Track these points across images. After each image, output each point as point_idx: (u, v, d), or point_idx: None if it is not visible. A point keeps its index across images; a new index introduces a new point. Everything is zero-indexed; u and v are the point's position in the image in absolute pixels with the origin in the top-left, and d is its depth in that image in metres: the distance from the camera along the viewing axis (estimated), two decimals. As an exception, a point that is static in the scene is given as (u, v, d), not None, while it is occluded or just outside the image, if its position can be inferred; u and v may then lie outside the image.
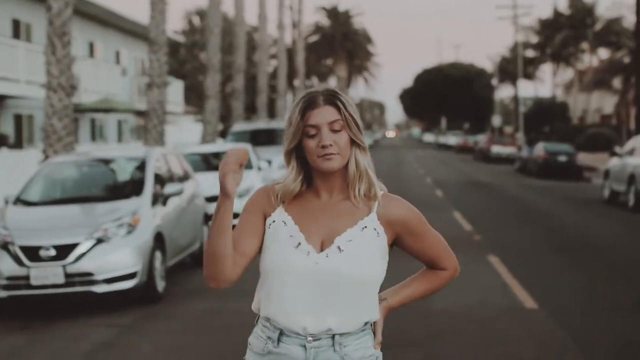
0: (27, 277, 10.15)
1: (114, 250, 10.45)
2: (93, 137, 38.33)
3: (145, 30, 31.97)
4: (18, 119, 30.44)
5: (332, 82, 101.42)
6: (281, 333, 3.10)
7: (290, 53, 65.70)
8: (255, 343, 3.18)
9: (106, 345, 8.86)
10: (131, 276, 10.47)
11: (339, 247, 3.10)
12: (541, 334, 8.74)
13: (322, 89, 3.17)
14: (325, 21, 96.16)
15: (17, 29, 30.67)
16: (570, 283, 11.60)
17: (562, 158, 38.19)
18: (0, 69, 26.29)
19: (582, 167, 38.18)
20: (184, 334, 9.23)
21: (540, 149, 39.69)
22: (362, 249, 3.12)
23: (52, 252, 10.17)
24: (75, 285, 10.20)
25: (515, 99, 77.59)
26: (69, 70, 18.05)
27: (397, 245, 3.24)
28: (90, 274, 10.21)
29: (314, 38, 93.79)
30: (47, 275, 10.12)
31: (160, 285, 11.14)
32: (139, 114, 38.50)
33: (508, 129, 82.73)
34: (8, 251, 10.32)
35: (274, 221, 3.15)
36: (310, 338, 3.08)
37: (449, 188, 30.06)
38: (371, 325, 3.19)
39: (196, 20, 66.13)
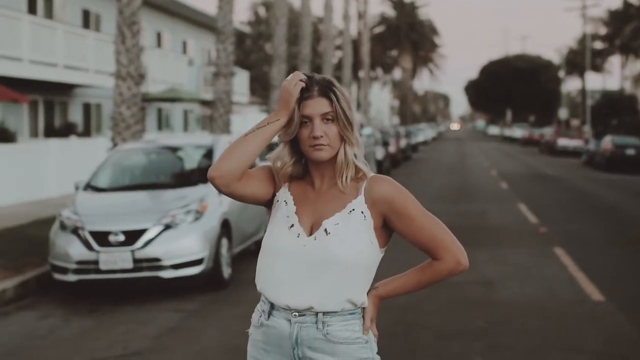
0: (96, 262, 10.33)
1: (182, 237, 10.59)
2: (159, 127, 38.73)
3: (212, 21, 32.24)
4: (87, 107, 30.89)
5: (396, 74, 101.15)
6: (272, 307, 3.22)
7: (355, 44, 65.65)
8: (254, 316, 3.33)
9: (172, 329, 8.99)
10: (198, 262, 10.60)
11: (326, 230, 3.18)
12: (608, 327, 8.66)
13: (319, 77, 3.26)
14: (390, 12, 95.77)
15: (87, 19, 31.12)
16: (637, 276, 11.44)
17: (631, 151, 37.66)
18: (70, 59, 26.68)
19: (651, 160, 37.58)
20: (248, 319, 9.29)
21: (607, 142, 39.17)
22: (349, 232, 3.17)
23: (121, 238, 10.34)
24: (143, 270, 10.36)
25: (583, 92, 76.56)
26: (137, 60, 18.27)
27: (391, 228, 3.25)
28: (157, 260, 10.36)
29: (379, 29, 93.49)
30: (115, 260, 10.29)
31: (227, 272, 11.26)
32: (205, 103, 38.77)
33: (575, 122, 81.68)
34: (78, 236, 10.51)
35: (277, 200, 3.29)
36: (296, 313, 3.19)
37: (514, 180, 29.81)
38: (362, 310, 3.24)
39: (262, 12, 66.42)
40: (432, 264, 3.26)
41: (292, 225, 3.21)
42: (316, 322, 3.18)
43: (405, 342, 8.02)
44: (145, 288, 10.71)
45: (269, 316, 3.23)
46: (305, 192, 3.26)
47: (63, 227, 10.82)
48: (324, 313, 3.17)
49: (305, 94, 3.18)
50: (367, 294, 3.24)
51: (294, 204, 3.23)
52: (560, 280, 11.22)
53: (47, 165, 21.26)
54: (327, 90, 3.20)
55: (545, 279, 11.32)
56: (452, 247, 3.23)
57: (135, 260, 10.29)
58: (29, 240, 13.59)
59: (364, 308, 3.24)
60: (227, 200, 11.75)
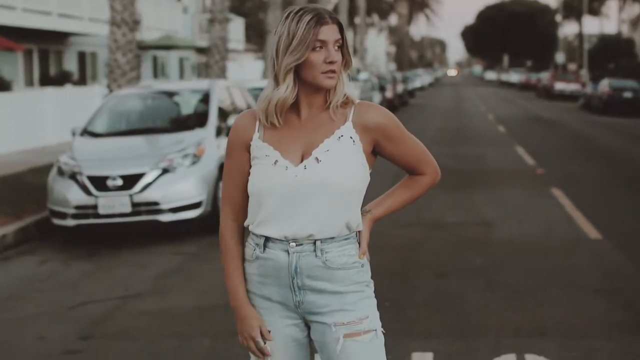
0: (94, 207, 10.34)
1: (179, 180, 10.59)
2: (155, 74, 38.56)
3: (206, -33, 31.90)
4: (82, 56, 30.73)
5: (392, 20, 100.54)
6: (267, 239, 3.18)
7: (351, -10, 65.12)
8: (246, 251, 3.25)
9: (172, 271, 9.03)
10: (196, 206, 10.62)
11: (316, 158, 3.15)
12: (606, 264, 8.70)
13: (320, 7, 3.21)
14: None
15: (80, -33, 30.85)
16: (635, 215, 11.49)
17: (628, 94, 37.59)
18: (64, 7, 26.49)
19: (648, 103, 37.51)
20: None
21: (605, 85, 39.08)
22: (340, 158, 3.16)
23: (119, 182, 10.34)
24: (141, 214, 10.38)
25: (580, 36, 76.23)
26: (132, 6, 18.13)
27: (377, 152, 3.26)
28: (156, 204, 10.38)
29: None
30: (114, 204, 10.31)
31: (225, 215, 11.27)
32: (200, 51, 38.59)
33: (572, 67, 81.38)
34: (76, 181, 10.52)
35: (253, 147, 3.21)
36: (293, 243, 3.16)
37: (511, 124, 29.80)
38: (356, 234, 3.24)
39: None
40: (417, 179, 3.32)
41: (276, 162, 3.16)
42: (314, 250, 3.17)
43: (406, 281, 8.05)
44: (144, 232, 10.74)
45: (264, 249, 3.19)
46: (289, 123, 3.21)
47: (61, 172, 10.81)
48: (322, 240, 3.17)
49: (321, 20, 3.14)
50: (362, 217, 3.25)
51: (269, 144, 3.19)
52: (557, 220, 11.25)
53: (43, 113, 21.21)
54: (335, 18, 3.18)
55: (542, 218, 11.36)
56: (432, 160, 3.32)
57: (134, 205, 10.30)
58: (27, 187, 13.59)
59: (358, 232, 3.24)
60: (224, 144, 11.72)
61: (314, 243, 3.16)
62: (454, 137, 24.59)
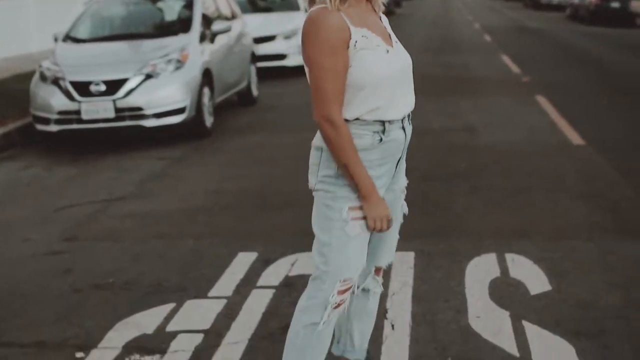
0: (78, 112, 10.28)
1: (163, 86, 10.51)
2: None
3: None
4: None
5: None
6: (389, 123, 3.27)
7: None
8: (360, 142, 3.23)
9: (156, 175, 9.03)
10: (180, 111, 10.57)
11: (396, 41, 3.37)
12: (589, 168, 8.74)
13: None
14: None
15: None
16: (620, 123, 11.50)
17: (615, 4, 37.26)
18: None
19: (635, 13, 37.26)
20: (233, 165, 9.37)
21: (592, -6, 38.71)
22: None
23: (102, 87, 10.26)
24: (125, 119, 10.32)
25: (569, -55, 75.18)
26: None
27: None
28: (139, 109, 10.32)
29: None
30: (97, 109, 10.25)
31: (209, 120, 11.25)
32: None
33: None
34: (59, 86, 10.43)
35: (356, 41, 3.17)
36: (407, 121, 3.38)
37: (497, 33, 29.61)
38: None
39: None
40: None
41: (388, 50, 3.25)
42: (408, 120, 3.40)
43: (388, 184, 8.07)
44: (128, 137, 10.70)
45: (387, 133, 3.27)
46: (360, 16, 3.23)
47: (43, 78, 10.73)
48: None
49: None
50: None
51: (372, 32, 3.22)
52: (542, 126, 11.26)
53: (26, 20, 20.93)
54: None
55: (527, 125, 11.36)
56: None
57: (117, 110, 10.24)
58: (10, 94, 13.48)
59: None
60: (208, 50, 11.65)
61: (408, 117, 3.39)
62: (440, 45, 24.44)
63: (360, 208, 3.27)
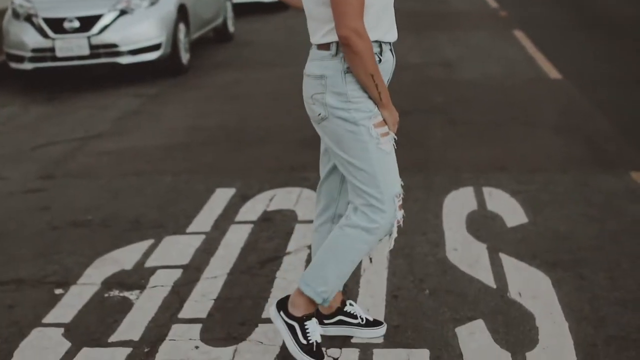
0: (52, 49, 10.18)
1: (138, 22, 10.41)
2: None
3: None
4: None
5: None
6: (380, 46, 3.31)
7: None
8: None
9: (133, 112, 8.98)
10: (155, 47, 10.48)
11: None
12: (565, 101, 8.76)
13: None
14: None
15: None
16: (596, 57, 11.50)
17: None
18: None
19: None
20: (209, 101, 9.33)
21: None
22: None
23: (76, 24, 10.14)
24: (100, 56, 10.23)
25: None
26: None
27: None
28: (114, 45, 10.22)
29: None
30: (71, 46, 10.14)
31: (185, 57, 11.16)
32: None
33: None
34: (32, 24, 10.31)
35: None
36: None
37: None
38: None
39: None
40: None
41: None
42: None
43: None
44: (104, 75, 10.63)
45: (385, 53, 3.33)
46: None
47: (16, 15, 10.59)
48: None
49: None
50: None
51: None
52: (519, 61, 11.26)
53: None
54: None
55: (504, 59, 11.35)
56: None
57: (92, 47, 10.14)
58: (-18, 31, 13.31)
59: None
60: (183, -15, 11.53)
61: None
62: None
63: (382, 123, 3.33)
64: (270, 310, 3.72)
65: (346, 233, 3.45)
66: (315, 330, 3.63)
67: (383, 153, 3.32)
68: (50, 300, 4.42)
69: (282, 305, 3.67)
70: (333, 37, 3.25)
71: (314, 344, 3.60)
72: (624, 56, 11.41)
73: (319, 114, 3.34)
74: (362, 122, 3.29)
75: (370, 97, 3.30)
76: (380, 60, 3.29)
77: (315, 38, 3.33)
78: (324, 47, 3.31)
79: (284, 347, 3.76)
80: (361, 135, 3.30)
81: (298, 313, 3.61)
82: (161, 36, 10.51)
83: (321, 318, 3.83)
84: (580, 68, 10.63)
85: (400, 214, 3.41)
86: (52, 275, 4.76)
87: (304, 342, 3.60)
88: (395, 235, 3.44)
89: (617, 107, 8.43)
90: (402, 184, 3.44)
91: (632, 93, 9.04)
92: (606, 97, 8.88)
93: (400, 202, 3.40)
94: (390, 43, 3.37)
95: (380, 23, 3.26)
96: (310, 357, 3.58)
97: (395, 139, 3.44)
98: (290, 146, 7.28)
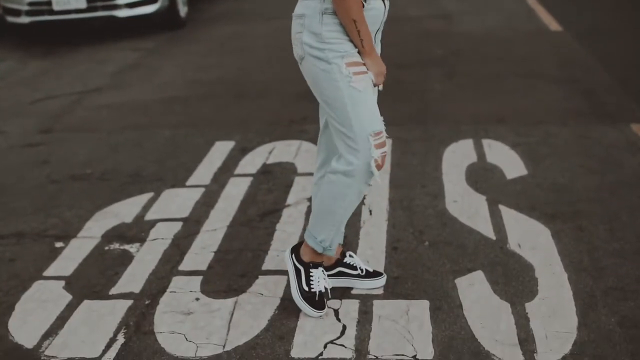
0: (49, 3, 10.11)
1: (135, -25, 10.33)
2: None
3: None
4: None
5: None
6: None
7: None
8: None
9: (131, 66, 8.94)
10: (153, 0, 10.41)
11: None
12: (565, 54, 8.71)
13: None
14: None
15: None
16: (596, 10, 11.43)
17: None
18: None
19: None
20: (208, 55, 9.28)
21: None
22: None
23: (73, -23, 10.07)
24: (97, 10, 10.16)
25: None
26: None
27: None
28: (112, -1, 10.16)
29: None
30: (68, 0, 10.07)
31: (183, 10, 11.10)
32: None
33: None
34: (28, -22, 10.23)
35: None
36: None
37: None
38: None
39: None
40: None
41: None
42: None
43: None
44: (101, 29, 10.56)
45: (367, 1, 3.30)
46: None
47: (12, -32, 10.51)
48: None
49: None
50: None
51: None
52: (518, 13, 11.19)
53: None
54: None
55: (504, 11, 11.29)
56: None
57: (89, 0, 10.07)
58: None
59: None
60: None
61: None
62: None
63: (356, 63, 3.30)
64: (285, 253, 3.81)
65: (330, 180, 3.46)
66: (319, 280, 3.66)
67: (355, 91, 3.30)
68: (50, 253, 4.43)
69: (295, 249, 3.75)
70: None
71: (316, 293, 3.63)
72: (624, 8, 11.34)
73: (299, 54, 3.37)
74: (334, 60, 3.28)
75: (349, 41, 3.29)
76: (363, 7, 3.26)
77: None
78: None
79: (284, 299, 3.78)
80: (333, 74, 3.29)
81: (306, 259, 3.69)
82: (159, -11, 10.44)
83: (321, 270, 3.86)
84: (580, 20, 10.57)
85: (377, 152, 3.33)
86: (53, 228, 4.77)
87: (306, 288, 3.64)
88: (377, 174, 3.37)
89: (617, 59, 8.39)
90: (381, 122, 3.37)
91: (633, 45, 9.00)
92: (606, 49, 8.83)
93: (379, 141, 3.34)
94: None
95: None
96: (309, 304, 3.61)
97: (379, 89, 3.44)
98: (290, 99, 7.26)
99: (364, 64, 3.33)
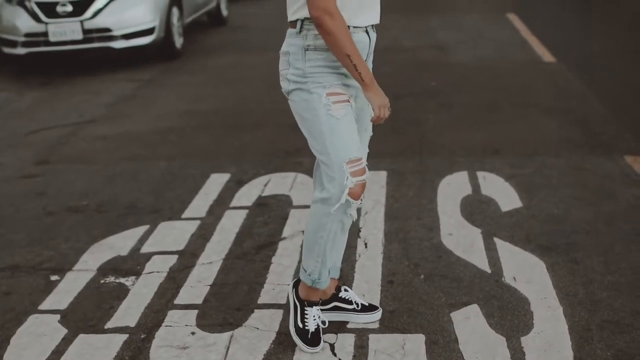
0: (45, 34, 10.16)
1: (131, 6, 10.39)
2: None
3: None
4: None
5: None
6: (349, 27, 3.29)
7: None
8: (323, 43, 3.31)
9: (127, 97, 8.97)
10: (149, 32, 10.46)
11: None
12: (559, 85, 8.76)
13: None
14: None
15: None
16: (590, 40, 11.50)
17: None
18: None
19: None
20: (204, 85, 9.32)
21: None
22: None
23: (69, 8, 10.12)
24: (93, 41, 10.21)
25: None
26: None
27: None
28: (108, 30, 10.20)
29: None
30: (65, 31, 10.12)
31: (179, 41, 11.15)
32: None
33: None
34: (25, 8, 10.28)
35: None
36: (370, 27, 3.40)
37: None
38: None
39: None
40: None
41: None
42: (374, 30, 3.44)
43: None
44: (97, 60, 10.61)
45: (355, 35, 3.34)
46: None
47: (9, -1, 10.56)
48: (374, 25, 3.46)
49: None
50: None
51: None
52: (512, 43, 11.26)
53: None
54: None
55: (497, 42, 11.36)
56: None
57: (85, 31, 10.12)
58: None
59: None
60: (176, -31, 11.49)
61: (373, 26, 3.43)
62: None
63: (337, 93, 3.33)
64: (289, 286, 3.86)
65: (312, 210, 3.50)
66: (313, 319, 3.66)
67: (333, 119, 3.32)
68: (46, 286, 4.43)
69: (297, 284, 3.80)
70: (300, 15, 3.30)
71: (309, 331, 3.63)
72: (617, 39, 11.41)
73: (286, 89, 3.42)
74: (315, 90, 3.32)
75: (333, 74, 3.33)
76: None
77: (288, 16, 3.37)
78: (293, 24, 3.36)
79: (280, 333, 3.78)
80: (313, 103, 3.33)
81: (302, 295, 3.72)
82: (154, 20, 10.49)
83: (317, 305, 3.86)
84: (574, 51, 10.63)
85: (351, 181, 3.32)
86: (48, 261, 4.77)
87: (301, 325, 3.64)
88: (355, 204, 3.37)
89: (611, 90, 8.43)
90: (359, 151, 3.37)
91: (627, 76, 9.05)
92: (600, 80, 8.88)
93: (355, 169, 3.33)
94: (363, 27, 3.36)
95: (346, 5, 3.24)
96: (302, 341, 3.62)
97: (381, 123, 3.46)
98: (285, 131, 7.28)
99: (345, 94, 3.36)
